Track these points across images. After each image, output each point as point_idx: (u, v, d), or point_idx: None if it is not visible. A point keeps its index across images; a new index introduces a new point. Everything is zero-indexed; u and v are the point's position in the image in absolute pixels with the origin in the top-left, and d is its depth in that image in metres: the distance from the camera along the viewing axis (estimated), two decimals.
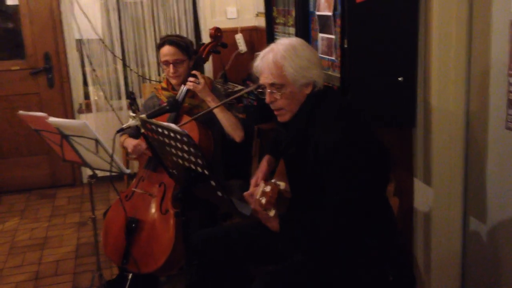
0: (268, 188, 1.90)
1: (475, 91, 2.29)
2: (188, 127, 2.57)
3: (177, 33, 4.71)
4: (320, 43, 2.59)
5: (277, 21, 3.22)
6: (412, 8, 2.28)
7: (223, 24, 4.70)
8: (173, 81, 2.96)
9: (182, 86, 2.88)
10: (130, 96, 3.71)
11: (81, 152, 2.50)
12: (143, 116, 2.09)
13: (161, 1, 4.67)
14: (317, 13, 2.57)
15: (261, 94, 2.02)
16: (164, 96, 3.00)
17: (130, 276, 2.74)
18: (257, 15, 4.71)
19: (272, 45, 1.99)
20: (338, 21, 2.35)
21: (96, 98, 4.75)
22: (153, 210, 2.69)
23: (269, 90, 1.97)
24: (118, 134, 2.29)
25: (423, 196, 2.48)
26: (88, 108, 4.78)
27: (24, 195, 4.75)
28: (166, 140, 1.95)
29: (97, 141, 2.39)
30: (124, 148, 2.93)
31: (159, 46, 2.97)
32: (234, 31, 4.73)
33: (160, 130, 1.94)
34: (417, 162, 2.47)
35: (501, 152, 2.19)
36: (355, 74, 2.29)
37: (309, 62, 1.94)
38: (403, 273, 2.02)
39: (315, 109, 1.95)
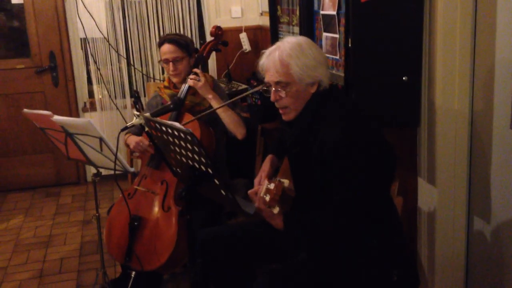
0: (272, 186, 1.90)
1: (480, 90, 2.28)
2: (189, 125, 2.57)
3: (182, 32, 4.72)
4: (324, 42, 2.59)
5: (282, 20, 3.22)
6: (416, 7, 2.27)
7: (228, 23, 4.71)
8: (174, 79, 2.97)
9: (184, 84, 2.89)
10: (134, 95, 3.74)
11: (85, 150, 2.51)
12: (147, 114, 2.10)
13: (166, 0, 4.67)
14: (322, 12, 2.57)
15: (266, 92, 2.03)
16: (166, 94, 3.02)
17: (133, 274, 2.74)
18: (261, 14, 4.71)
19: (279, 43, 1.98)
20: (343, 20, 2.34)
21: (100, 96, 4.76)
22: (155, 207, 2.70)
23: (274, 88, 1.97)
24: (123, 133, 2.29)
25: (427, 196, 2.48)
26: (92, 107, 4.80)
27: (29, 193, 4.77)
28: (170, 139, 1.95)
29: (101, 140, 2.39)
30: (127, 145, 2.94)
31: (159, 45, 3.00)
32: (239, 30, 4.73)
33: (164, 128, 1.95)
34: (421, 161, 2.47)
35: (505, 151, 2.19)
36: (359, 73, 2.28)
37: (316, 61, 1.94)
38: (407, 273, 2.02)
39: (320, 108, 1.95)
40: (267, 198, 1.89)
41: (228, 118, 2.86)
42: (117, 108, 4.73)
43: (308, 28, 2.72)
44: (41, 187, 4.87)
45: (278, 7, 3.27)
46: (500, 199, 2.25)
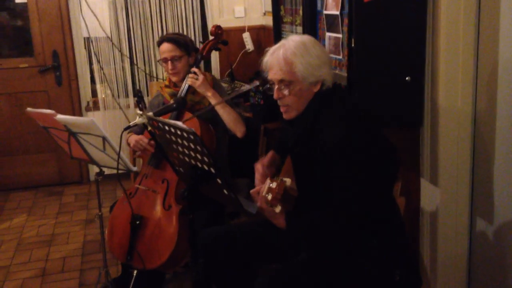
0: (274, 185, 1.90)
1: (483, 90, 2.28)
2: (189, 124, 2.58)
3: (185, 31, 4.72)
4: (327, 42, 2.59)
5: (285, 20, 3.22)
6: (420, 7, 2.27)
7: (231, 23, 4.72)
8: (173, 78, 2.98)
9: (184, 82, 2.91)
10: (137, 94, 3.73)
11: (88, 149, 2.51)
12: (150, 114, 2.10)
13: (169, 0, 4.68)
14: (325, 12, 2.57)
15: (269, 90, 2.02)
16: (167, 93, 3.03)
17: (135, 273, 2.75)
18: (264, 14, 4.71)
19: (283, 41, 1.98)
20: (346, 20, 2.34)
21: (103, 96, 4.77)
22: (156, 206, 2.71)
23: (277, 86, 1.97)
24: (125, 132, 2.30)
25: (429, 196, 2.48)
26: (95, 106, 4.81)
27: (32, 192, 4.78)
28: (173, 138, 1.95)
29: (104, 139, 2.40)
30: (128, 144, 2.96)
31: (158, 45, 3.02)
32: (242, 29, 4.73)
33: (166, 128, 1.95)
34: (424, 162, 2.47)
35: (508, 152, 2.18)
36: (362, 73, 2.28)
37: (319, 60, 1.94)
38: (409, 273, 2.01)
39: (323, 108, 1.95)
40: (269, 197, 1.89)
41: (227, 116, 2.87)
42: (120, 108, 4.74)
43: (311, 28, 2.72)
44: (44, 186, 4.88)
45: (281, 7, 3.27)
46: (503, 200, 2.24)
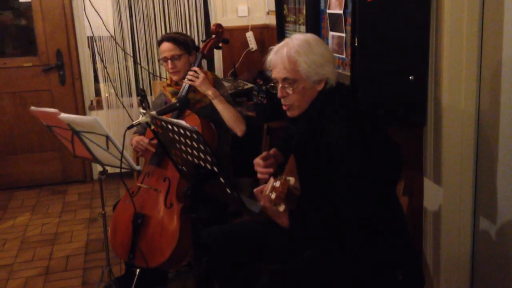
0: (278, 184, 1.90)
1: (486, 89, 2.27)
2: (191, 122, 2.59)
3: (188, 30, 4.73)
4: (330, 41, 2.58)
5: (288, 19, 3.22)
6: (423, 6, 2.27)
7: (234, 22, 4.72)
8: (174, 77, 2.99)
9: (185, 81, 2.92)
10: (141, 93, 3.75)
11: (91, 148, 2.52)
12: (153, 112, 2.10)
13: None
14: (328, 11, 2.56)
15: (273, 89, 2.02)
16: (168, 92, 3.04)
17: (137, 271, 2.76)
18: (268, 13, 4.71)
19: (287, 40, 1.98)
20: (349, 19, 2.34)
21: (107, 95, 4.78)
22: (158, 204, 2.71)
23: (281, 85, 1.97)
24: (129, 131, 2.31)
25: (433, 195, 2.47)
26: (99, 105, 4.82)
27: (35, 191, 4.80)
28: (176, 137, 1.95)
29: (107, 138, 2.40)
30: (131, 145, 2.97)
31: (158, 44, 3.04)
32: (245, 29, 4.73)
33: (169, 126, 1.95)
34: (427, 161, 2.47)
35: None
36: (365, 72, 2.28)
37: (323, 58, 1.93)
38: (412, 273, 2.01)
39: (326, 107, 1.95)
40: (273, 196, 1.89)
41: (227, 113, 2.88)
42: (124, 107, 4.75)
43: (315, 27, 2.72)
44: (48, 185, 4.89)
45: (285, 6, 3.26)
46: (506, 199, 2.24)
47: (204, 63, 4.75)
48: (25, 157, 4.85)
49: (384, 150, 1.94)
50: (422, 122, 2.42)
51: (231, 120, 2.88)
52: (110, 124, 4.73)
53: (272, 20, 4.22)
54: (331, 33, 2.58)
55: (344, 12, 2.38)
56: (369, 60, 2.27)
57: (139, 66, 4.76)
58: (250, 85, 4.17)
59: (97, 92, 4.87)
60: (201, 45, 3.08)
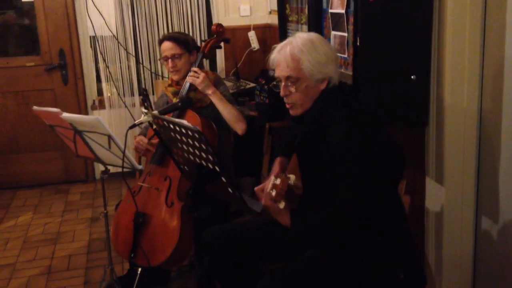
0: (278, 181, 1.91)
1: (489, 89, 2.27)
2: (191, 121, 2.59)
3: (190, 30, 4.73)
4: (332, 40, 2.58)
5: (290, 18, 3.22)
6: (425, 6, 2.26)
7: (236, 22, 4.72)
8: (174, 77, 3.00)
9: (185, 81, 2.92)
10: (143, 93, 3.75)
11: (94, 147, 2.52)
12: (155, 112, 2.11)
13: None
14: (330, 10, 2.56)
15: (276, 88, 2.02)
16: (170, 92, 3.05)
17: (139, 270, 2.76)
18: (270, 12, 4.71)
19: (290, 38, 1.98)
20: (351, 19, 2.34)
21: (109, 94, 4.78)
22: (159, 203, 2.72)
23: (284, 83, 1.97)
24: (131, 130, 2.31)
25: (435, 195, 2.47)
26: (101, 105, 4.82)
27: (38, 190, 4.80)
28: (178, 136, 1.95)
29: (109, 137, 2.40)
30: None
31: (159, 44, 3.04)
32: (247, 28, 4.73)
33: (171, 126, 1.95)
34: (429, 160, 2.46)
35: None
36: (367, 72, 2.28)
37: (327, 57, 1.93)
38: (414, 272, 2.01)
39: (329, 106, 1.95)
40: (273, 193, 1.89)
41: (227, 113, 2.89)
42: (126, 106, 4.75)
43: (317, 26, 2.72)
44: (50, 184, 4.90)
45: (287, 6, 3.27)
46: (508, 199, 2.23)
47: (206, 63, 4.76)
48: (27, 156, 4.85)
49: (386, 149, 1.93)
50: (424, 121, 2.42)
51: (232, 119, 2.89)
52: (112, 124, 4.73)
53: (274, 20, 4.22)
54: (333, 32, 2.57)
55: (346, 11, 2.38)
56: (371, 59, 2.26)
57: (141, 65, 4.77)
58: (252, 84, 4.17)
59: (100, 92, 4.88)
60: (202, 45, 3.09)
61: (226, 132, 3.00)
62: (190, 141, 1.89)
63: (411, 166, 2.53)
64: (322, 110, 1.95)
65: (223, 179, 1.90)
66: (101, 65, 4.70)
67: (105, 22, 4.56)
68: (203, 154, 1.89)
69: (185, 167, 2.15)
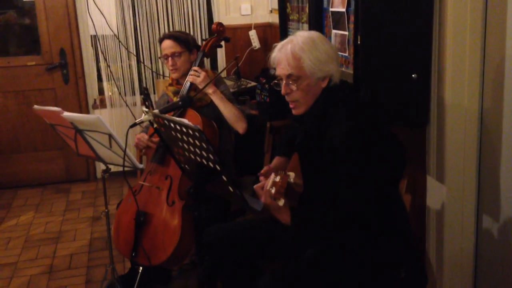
0: (278, 178, 1.91)
1: (489, 88, 2.27)
2: (192, 120, 2.60)
3: (191, 29, 4.73)
4: (333, 39, 2.58)
5: (291, 17, 3.22)
6: (426, 5, 2.26)
7: (237, 21, 4.72)
8: (174, 75, 3.01)
9: (186, 80, 2.92)
10: (144, 92, 3.75)
11: (94, 146, 2.52)
12: (156, 111, 2.11)
13: None
14: (331, 9, 2.56)
15: (277, 86, 2.02)
16: (170, 91, 3.05)
17: (140, 269, 2.76)
18: (271, 11, 4.71)
19: (291, 37, 1.98)
20: (352, 18, 2.34)
21: (110, 93, 4.78)
22: (160, 202, 2.73)
23: (285, 82, 1.97)
24: (131, 129, 2.31)
25: (436, 194, 2.47)
26: (102, 104, 4.82)
27: (39, 189, 4.81)
28: (179, 135, 1.96)
29: (110, 136, 2.41)
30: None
31: (159, 42, 3.05)
32: (248, 27, 4.73)
33: (172, 125, 1.95)
34: (430, 159, 2.46)
35: None
36: (368, 71, 2.28)
37: (327, 55, 1.94)
38: (415, 270, 2.01)
39: (330, 104, 1.95)
40: (273, 190, 1.89)
41: (228, 112, 2.89)
42: (127, 105, 4.75)
43: (317, 25, 2.72)
44: (52, 183, 4.90)
45: (288, 5, 3.27)
46: (509, 197, 2.23)
47: (207, 62, 4.76)
48: (28, 155, 4.86)
49: (387, 148, 1.93)
50: (425, 120, 2.42)
51: (232, 118, 2.89)
52: (114, 123, 4.74)
53: (275, 19, 4.22)
54: (334, 31, 2.57)
55: (347, 10, 2.38)
56: (372, 58, 2.27)
57: (142, 64, 4.77)
58: (253, 83, 4.17)
59: (101, 91, 4.88)
60: (203, 44, 3.09)
61: (227, 131, 3.01)
62: (191, 140, 1.90)
63: (412, 165, 2.53)
64: (323, 109, 1.95)
65: (224, 178, 1.90)
66: (102, 64, 4.70)
67: (106, 21, 4.57)
68: (204, 153, 1.89)
69: (186, 166, 2.15)
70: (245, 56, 4.73)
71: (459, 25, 2.23)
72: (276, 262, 2.30)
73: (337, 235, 1.91)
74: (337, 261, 1.97)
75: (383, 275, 1.95)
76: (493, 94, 2.25)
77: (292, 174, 1.94)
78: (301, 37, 1.95)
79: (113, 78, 4.71)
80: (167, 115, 2.10)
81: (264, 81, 3.51)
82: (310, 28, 2.80)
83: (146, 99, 3.40)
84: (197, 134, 1.83)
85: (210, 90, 2.89)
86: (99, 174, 4.95)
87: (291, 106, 2.02)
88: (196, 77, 2.88)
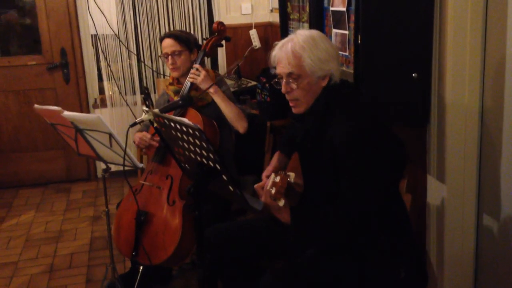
0: (278, 179, 1.91)
1: (490, 87, 2.27)
2: (192, 120, 2.60)
3: (192, 29, 4.73)
4: (334, 38, 2.58)
5: (291, 16, 3.22)
6: (426, 4, 2.26)
7: (238, 20, 4.72)
8: (174, 74, 3.01)
9: (186, 79, 2.92)
10: (144, 91, 3.76)
11: (95, 146, 2.53)
12: (156, 110, 2.11)
13: None
14: (331, 8, 2.56)
15: (277, 85, 2.02)
16: (171, 91, 3.05)
17: (141, 269, 2.76)
18: (271, 11, 4.71)
19: (292, 35, 1.98)
20: (352, 17, 2.34)
21: (111, 93, 4.78)
22: (161, 202, 2.73)
23: (285, 80, 1.97)
24: (132, 129, 2.31)
25: (436, 193, 2.47)
26: (103, 103, 4.82)
27: (40, 189, 4.81)
28: (179, 135, 1.96)
29: (111, 135, 2.41)
30: (134, 142, 2.98)
31: (160, 41, 3.05)
32: (249, 26, 4.73)
33: (172, 124, 1.95)
34: (431, 158, 2.46)
35: None
36: (368, 70, 2.28)
37: (328, 54, 1.94)
38: (415, 270, 2.01)
39: (331, 103, 1.95)
40: (273, 191, 1.89)
41: (228, 111, 2.89)
42: (127, 105, 4.76)
43: (318, 24, 2.72)
44: (52, 183, 4.91)
45: (288, 4, 3.26)
46: (510, 197, 2.23)
47: (208, 61, 4.76)
48: (29, 155, 4.86)
49: (387, 148, 1.93)
50: (426, 120, 2.41)
51: (233, 117, 2.89)
52: (114, 122, 4.74)
53: (275, 18, 4.22)
54: (334, 30, 2.57)
55: (347, 9, 2.38)
56: (372, 57, 2.26)
57: (142, 64, 4.77)
58: (253, 82, 4.17)
59: (101, 90, 4.89)
60: (203, 43, 3.09)
61: (227, 131, 3.00)
62: (191, 140, 1.90)
63: (413, 164, 2.53)
64: (323, 108, 1.95)
65: (224, 177, 1.90)
66: (103, 64, 4.70)
67: (107, 21, 4.57)
68: (204, 153, 1.89)
69: (187, 165, 2.15)
70: (245, 55, 4.73)
71: (460, 24, 2.22)
72: (276, 262, 2.30)
73: (337, 235, 1.91)
74: (337, 261, 1.97)
75: (383, 275, 1.95)
76: (494, 93, 2.25)
77: (292, 174, 1.94)
78: (301, 35, 1.95)
79: (114, 78, 4.72)
80: (167, 115, 2.10)
81: (264, 80, 3.51)
82: (310, 28, 2.80)
83: (146, 99, 3.40)
84: (197, 133, 1.83)
85: (211, 90, 2.89)
86: (99, 174, 4.95)
87: (291, 104, 2.02)
88: (196, 76, 2.88)
